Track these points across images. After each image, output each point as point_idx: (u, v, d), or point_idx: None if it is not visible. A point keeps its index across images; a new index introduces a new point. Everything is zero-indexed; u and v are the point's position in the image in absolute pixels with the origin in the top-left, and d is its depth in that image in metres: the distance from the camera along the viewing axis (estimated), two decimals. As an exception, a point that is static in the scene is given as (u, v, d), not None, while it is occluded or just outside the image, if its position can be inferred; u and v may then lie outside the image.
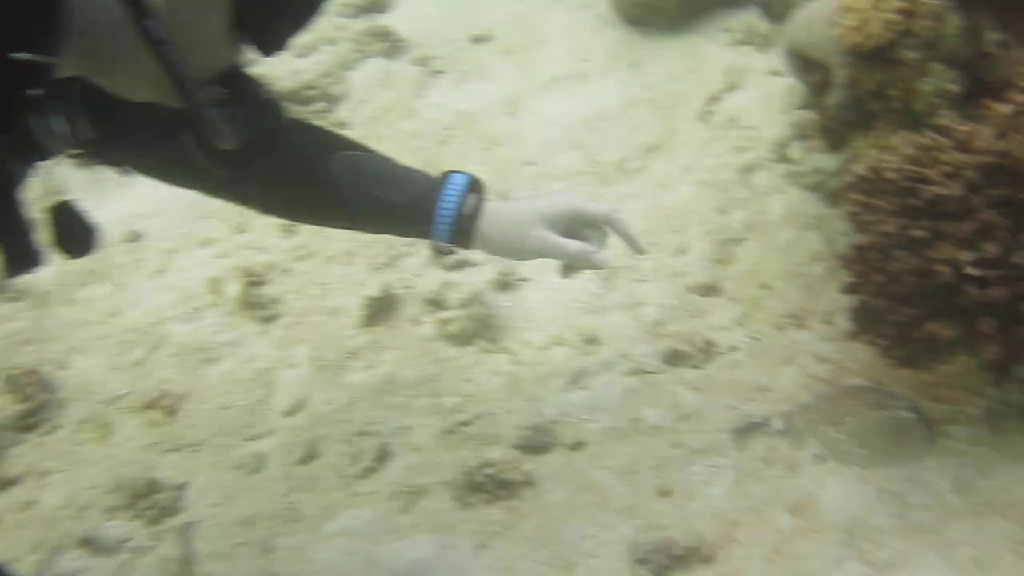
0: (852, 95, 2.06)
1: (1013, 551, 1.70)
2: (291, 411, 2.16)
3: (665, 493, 1.91)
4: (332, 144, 1.66)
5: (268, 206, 1.74)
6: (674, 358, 2.20)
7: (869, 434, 1.94)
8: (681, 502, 1.89)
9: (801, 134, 2.42)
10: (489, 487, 1.94)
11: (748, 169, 2.63)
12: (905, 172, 1.73)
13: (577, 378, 2.19)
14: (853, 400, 2.01)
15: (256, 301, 2.41)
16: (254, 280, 2.44)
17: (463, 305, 2.33)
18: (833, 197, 2.36)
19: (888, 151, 1.76)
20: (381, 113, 2.95)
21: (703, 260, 2.43)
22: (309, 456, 2.05)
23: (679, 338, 2.23)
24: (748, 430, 2.01)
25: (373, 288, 2.38)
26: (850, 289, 1.83)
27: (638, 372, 2.19)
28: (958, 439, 1.93)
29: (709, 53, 2.94)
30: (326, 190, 1.61)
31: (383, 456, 2.04)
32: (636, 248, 1.81)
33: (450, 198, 1.60)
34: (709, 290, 2.36)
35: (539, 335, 2.32)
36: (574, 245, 1.67)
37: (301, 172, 1.62)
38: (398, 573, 1.79)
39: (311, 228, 2.43)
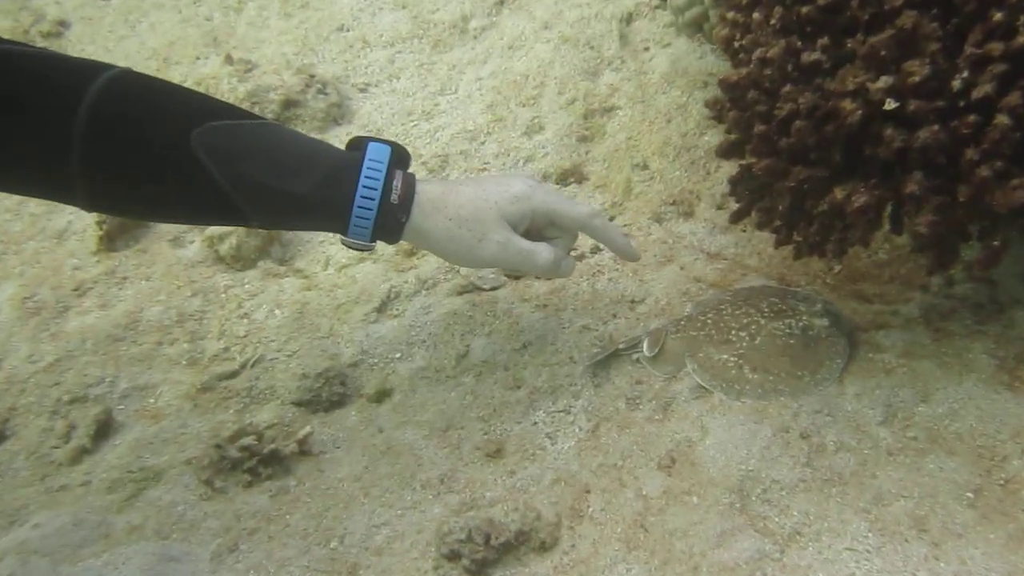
0: None
1: (966, 501, 1.20)
2: (-23, 375, 1.58)
3: (494, 454, 1.40)
4: (190, 112, 1.19)
5: (97, 203, 1.25)
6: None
7: (768, 353, 1.40)
8: (515, 465, 1.36)
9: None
10: (250, 464, 1.40)
11: (622, 19, 2.06)
12: (792, -34, 1.15)
13: (387, 304, 1.64)
14: (747, 307, 1.47)
15: (-51, 229, 1.80)
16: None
17: (241, 216, 1.75)
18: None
19: (768, -61, 1.18)
20: (155, -20, 2.32)
21: (562, 138, 1.90)
22: (-4, 438, 1.48)
23: (524, 241, 1.67)
24: (608, 360, 1.47)
25: (119, 201, 1.77)
26: (726, 150, 1.26)
27: (467, 290, 1.64)
28: (888, 350, 1.41)
29: None
30: (186, 180, 1.18)
31: (105, 430, 1.49)
32: (630, 256, 1.46)
33: (370, 184, 1.24)
34: (569, 175, 1.87)
35: (342, 249, 1.75)
36: (543, 255, 1.35)
37: (142, 158, 1.17)
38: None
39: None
